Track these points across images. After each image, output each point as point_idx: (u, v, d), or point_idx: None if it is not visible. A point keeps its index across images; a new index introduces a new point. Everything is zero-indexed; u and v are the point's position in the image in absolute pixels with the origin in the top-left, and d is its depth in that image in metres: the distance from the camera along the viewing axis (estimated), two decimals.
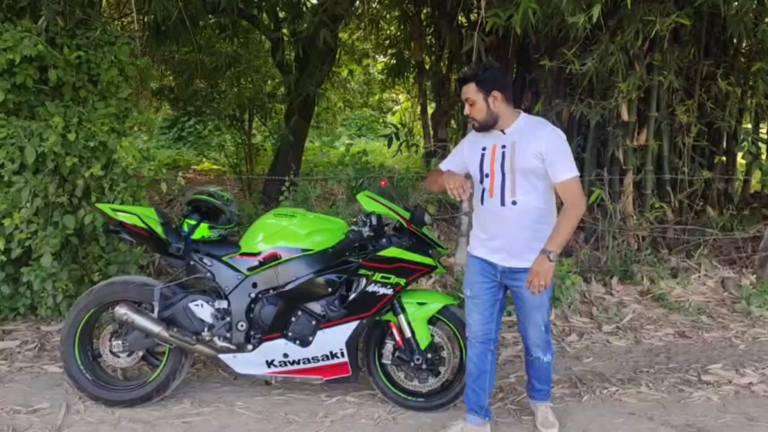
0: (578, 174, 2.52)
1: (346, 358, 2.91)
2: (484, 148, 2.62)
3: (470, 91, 2.57)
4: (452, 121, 7.40)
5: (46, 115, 3.77)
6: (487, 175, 2.59)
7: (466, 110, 2.61)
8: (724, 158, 5.93)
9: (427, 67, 7.39)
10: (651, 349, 3.84)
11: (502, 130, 2.59)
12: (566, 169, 2.50)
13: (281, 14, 6.75)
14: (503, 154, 2.55)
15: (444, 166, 2.80)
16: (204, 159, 10.16)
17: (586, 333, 4.04)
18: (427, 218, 2.91)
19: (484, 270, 2.68)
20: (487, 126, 2.59)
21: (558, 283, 4.39)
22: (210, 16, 6.25)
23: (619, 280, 4.85)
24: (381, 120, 14.61)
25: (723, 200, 5.97)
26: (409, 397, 3.03)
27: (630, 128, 5.18)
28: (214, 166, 9.93)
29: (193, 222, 2.99)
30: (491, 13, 4.22)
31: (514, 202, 2.54)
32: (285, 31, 6.71)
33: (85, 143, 3.72)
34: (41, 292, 3.74)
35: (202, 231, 2.98)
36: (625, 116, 5.07)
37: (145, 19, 5.97)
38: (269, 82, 8.28)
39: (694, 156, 5.54)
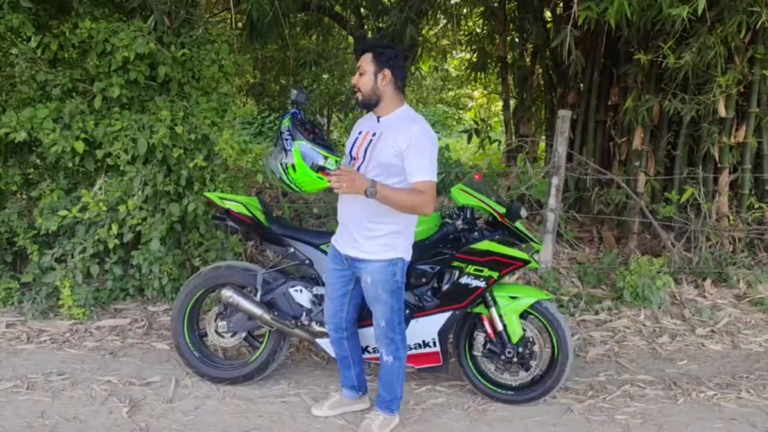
0: (434, 182, 2.43)
1: (438, 348, 2.98)
2: (360, 132, 2.62)
3: (366, 60, 2.53)
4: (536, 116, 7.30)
5: (155, 110, 4.04)
6: (352, 159, 2.60)
7: (355, 79, 2.55)
8: None
9: (510, 62, 7.32)
10: (750, 355, 3.68)
11: (379, 118, 2.56)
12: (423, 172, 2.41)
13: (365, 12, 6.86)
14: (371, 141, 2.53)
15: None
16: None
17: (679, 335, 3.92)
18: (523, 212, 2.92)
19: (336, 257, 2.73)
20: (369, 102, 2.54)
21: (648, 283, 4.28)
22: (299, 14, 6.45)
23: (712, 282, 4.66)
24: (455, 116, 14.53)
25: None
26: (499, 390, 3.06)
27: (727, 125, 4.96)
28: None
29: None
30: (584, 6, 4.16)
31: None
32: (368, 27, 6.83)
33: (188, 136, 3.95)
34: (148, 275, 4.01)
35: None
36: (722, 112, 4.85)
37: (238, 18, 6.25)
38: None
39: None
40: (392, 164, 2.46)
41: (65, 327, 3.77)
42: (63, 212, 3.83)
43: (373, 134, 2.54)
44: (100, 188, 3.99)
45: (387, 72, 2.50)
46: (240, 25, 6.43)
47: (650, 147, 5.37)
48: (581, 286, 4.60)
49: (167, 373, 3.27)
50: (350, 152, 2.63)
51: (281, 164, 2.41)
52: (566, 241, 5.27)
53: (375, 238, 2.55)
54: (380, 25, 6.39)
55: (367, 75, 2.51)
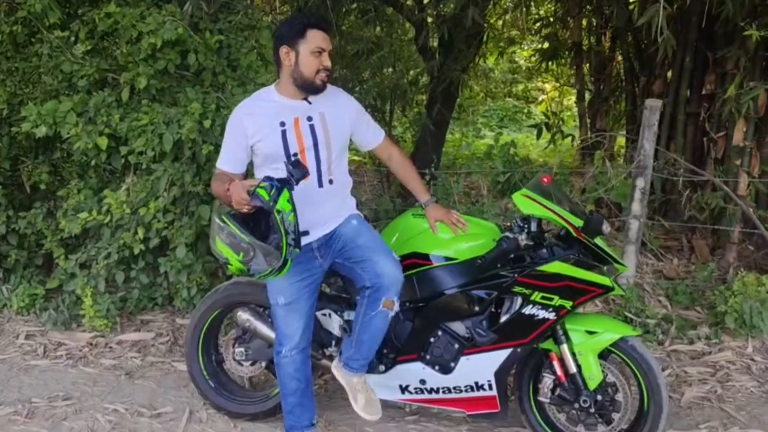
0: None
1: (494, 392, 2.43)
2: (282, 123, 2.24)
3: (329, 39, 2.28)
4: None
5: (185, 102, 3.68)
6: (294, 156, 2.23)
7: (327, 61, 2.24)
8: None
9: (586, 48, 6.59)
10: None
11: (306, 98, 2.29)
12: (378, 127, 2.53)
13: None
14: (311, 127, 2.26)
15: (224, 164, 2.36)
16: None
17: None
18: (605, 227, 2.32)
19: (306, 258, 2.33)
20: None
21: (756, 306, 3.55)
22: (352, 2, 6.02)
23: None
24: (525, 110, 13.81)
25: None
26: None
27: None
28: (355, 158, 9.82)
29: None
30: None
31: (331, 181, 2.33)
32: (429, 13, 6.32)
33: (221, 130, 3.56)
34: (177, 284, 3.66)
35: None
36: None
37: (286, 7, 5.89)
38: (411, 71, 7.96)
39: None
40: (347, 140, 2.38)
41: (85, 340, 3.47)
42: (83, 215, 3.53)
43: (309, 118, 2.27)
44: (126, 189, 3.67)
45: None
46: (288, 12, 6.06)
47: (754, 143, 4.58)
48: (670, 306, 3.91)
49: (182, 402, 2.89)
50: (286, 147, 2.24)
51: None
52: (650, 251, 4.56)
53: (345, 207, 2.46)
54: (443, 11, 5.87)
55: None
